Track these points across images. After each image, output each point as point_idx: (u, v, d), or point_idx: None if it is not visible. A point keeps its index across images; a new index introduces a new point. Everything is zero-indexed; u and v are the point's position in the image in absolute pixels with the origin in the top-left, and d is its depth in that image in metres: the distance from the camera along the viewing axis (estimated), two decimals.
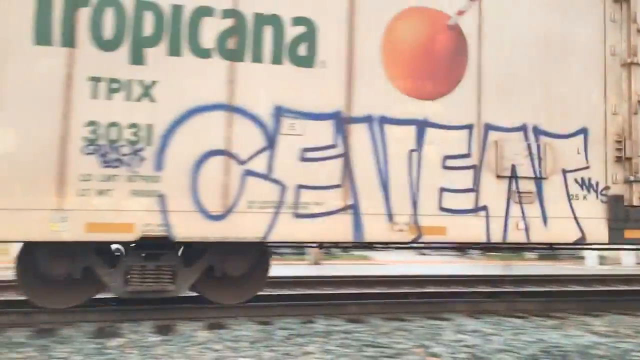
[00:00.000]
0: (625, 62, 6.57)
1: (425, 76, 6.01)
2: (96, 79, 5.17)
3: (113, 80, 5.20)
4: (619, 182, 6.45)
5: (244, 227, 5.42)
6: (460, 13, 6.16)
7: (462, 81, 6.11)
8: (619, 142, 6.48)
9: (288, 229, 5.52)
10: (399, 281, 9.72)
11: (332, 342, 4.71)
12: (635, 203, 6.45)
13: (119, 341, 4.70)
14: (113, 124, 5.17)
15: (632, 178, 6.42)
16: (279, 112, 5.58)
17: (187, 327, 5.33)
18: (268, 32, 5.63)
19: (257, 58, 5.58)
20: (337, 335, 5.04)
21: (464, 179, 6.04)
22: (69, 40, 5.15)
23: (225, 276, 5.91)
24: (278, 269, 15.83)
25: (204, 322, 5.53)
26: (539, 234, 6.20)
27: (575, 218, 6.29)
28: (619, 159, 6.46)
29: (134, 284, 5.48)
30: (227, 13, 5.55)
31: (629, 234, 6.43)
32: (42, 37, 5.10)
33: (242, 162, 5.46)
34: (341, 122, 5.74)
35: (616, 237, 6.41)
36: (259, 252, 6.09)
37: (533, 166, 6.22)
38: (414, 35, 6.03)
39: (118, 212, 5.12)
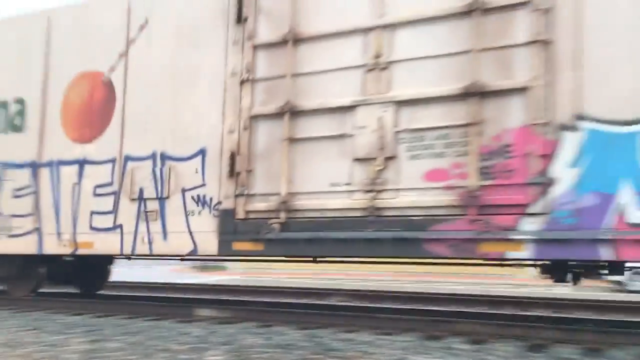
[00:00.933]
0: (242, 79, 6.81)
1: (85, 125, 7.80)
2: None
3: None
4: (229, 197, 6.74)
5: None
6: (111, 69, 7.69)
7: (111, 124, 7.62)
8: (232, 158, 6.77)
9: (3, 245, 8.19)
10: None
11: None
12: (242, 216, 6.64)
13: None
14: None
15: (239, 192, 6.66)
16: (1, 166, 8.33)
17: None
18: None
19: None
20: None
21: (108, 203, 7.53)
22: None
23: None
24: None
25: None
26: (160, 247, 7.13)
27: (190, 232, 6.94)
28: (231, 175, 6.76)
29: None
30: None
31: (237, 245, 6.65)
32: None
33: None
34: (35, 167, 8.09)
35: (225, 248, 6.73)
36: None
37: (157, 188, 7.20)
38: (79, 95, 7.90)
39: None
